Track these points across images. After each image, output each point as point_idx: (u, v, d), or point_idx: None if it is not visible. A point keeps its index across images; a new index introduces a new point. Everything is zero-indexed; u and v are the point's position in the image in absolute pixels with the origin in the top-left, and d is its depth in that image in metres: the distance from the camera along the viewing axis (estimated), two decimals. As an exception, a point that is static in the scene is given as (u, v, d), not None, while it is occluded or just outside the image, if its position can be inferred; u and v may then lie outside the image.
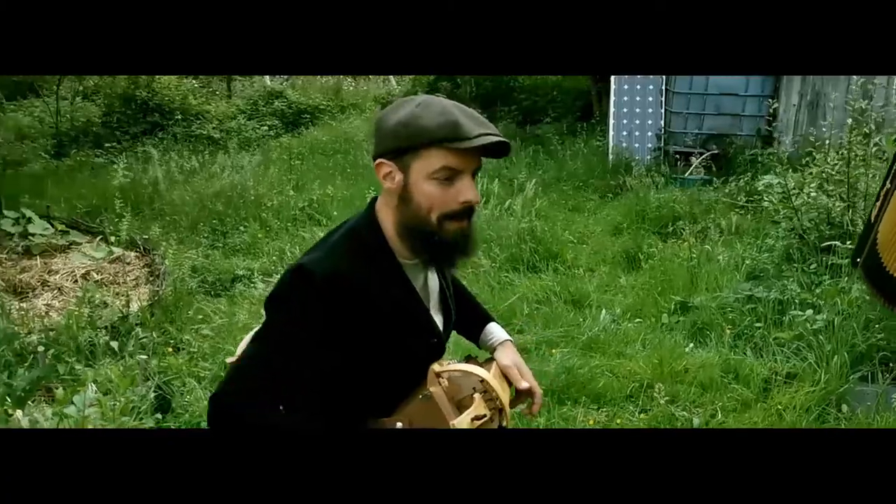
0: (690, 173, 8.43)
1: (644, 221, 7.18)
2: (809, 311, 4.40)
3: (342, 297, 1.58)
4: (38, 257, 5.77)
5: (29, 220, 6.29)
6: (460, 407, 1.71)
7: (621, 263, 6.20)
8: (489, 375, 1.76)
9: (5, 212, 6.35)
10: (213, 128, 11.85)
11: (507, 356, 1.93)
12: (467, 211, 1.63)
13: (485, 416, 1.69)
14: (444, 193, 1.60)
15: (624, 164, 9.05)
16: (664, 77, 9.09)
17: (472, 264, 5.68)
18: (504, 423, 1.77)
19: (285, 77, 16.32)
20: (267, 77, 15.91)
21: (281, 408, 1.56)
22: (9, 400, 3.16)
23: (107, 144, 10.47)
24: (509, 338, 2.01)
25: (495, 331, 2.03)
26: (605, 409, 3.73)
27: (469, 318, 2.09)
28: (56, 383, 3.44)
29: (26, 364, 3.61)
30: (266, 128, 13.20)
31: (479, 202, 1.68)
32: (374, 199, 1.73)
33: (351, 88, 16.92)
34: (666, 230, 6.70)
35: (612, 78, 9.60)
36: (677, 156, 8.84)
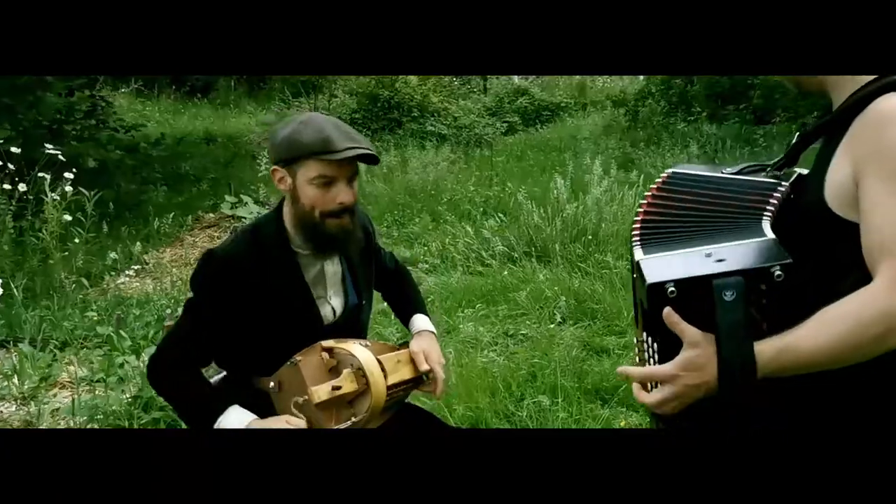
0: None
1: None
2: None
3: (234, 277, 2.02)
4: (239, 237, 6.79)
5: (244, 205, 7.40)
6: (335, 378, 2.03)
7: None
8: (370, 357, 2.05)
9: (227, 197, 7.52)
10: (446, 125, 12.61)
11: (417, 344, 2.27)
12: (345, 210, 2.01)
13: (341, 387, 2.00)
14: (324, 195, 1.99)
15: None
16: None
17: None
18: (371, 401, 2.02)
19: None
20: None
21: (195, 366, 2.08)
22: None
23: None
24: (429, 328, 2.35)
25: (417, 321, 2.39)
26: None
27: (403, 308, 2.48)
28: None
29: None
30: (505, 125, 13.74)
31: (355, 203, 2.05)
32: (283, 200, 2.15)
33: (595, 85, 17.00)
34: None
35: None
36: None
